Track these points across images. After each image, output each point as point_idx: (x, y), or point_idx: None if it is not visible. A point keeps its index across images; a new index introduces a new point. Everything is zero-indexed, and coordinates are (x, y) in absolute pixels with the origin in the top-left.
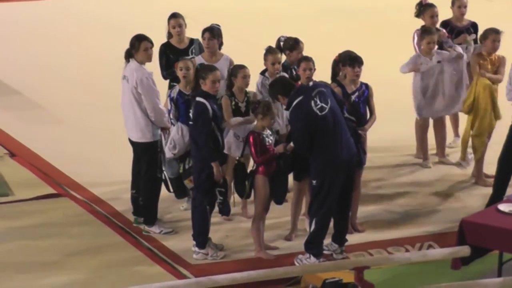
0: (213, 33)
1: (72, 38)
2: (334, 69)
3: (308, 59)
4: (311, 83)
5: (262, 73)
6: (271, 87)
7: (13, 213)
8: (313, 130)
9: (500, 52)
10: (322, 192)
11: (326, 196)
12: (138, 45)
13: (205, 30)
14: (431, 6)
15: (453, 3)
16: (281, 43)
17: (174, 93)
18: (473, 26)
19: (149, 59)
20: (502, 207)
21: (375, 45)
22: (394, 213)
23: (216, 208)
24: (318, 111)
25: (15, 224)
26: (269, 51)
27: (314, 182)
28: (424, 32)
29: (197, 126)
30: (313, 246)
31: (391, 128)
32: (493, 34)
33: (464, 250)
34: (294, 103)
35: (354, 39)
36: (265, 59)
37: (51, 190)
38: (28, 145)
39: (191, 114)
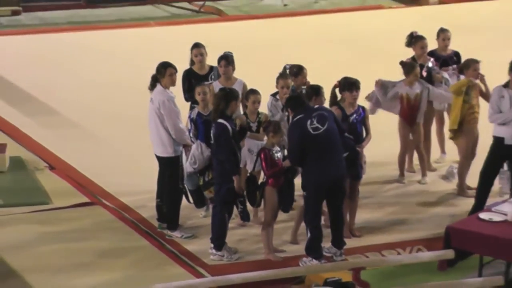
0: (228, 60)
1: (103, 68)
2: (333, 93)
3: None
4: (316, 106)
5: (273, 95)
6: (287, 100)
7: (51, 219)
8: (305, 146)
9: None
10: (311, 204)
11: (314, 207)
12: (164, 71)
13: (221, 58)
14: (421, 38)
15: (438, 36)
16: (287, 70)
17: (194, 114)
18: (456, 55)
19: (173, 83)
20: (483, 215)
21: (370, 71)
22: (388, 220)
23: (233, 215)
24: (311, 130)
25: (53, 230)
26: (280, 76)
27: (304, 193)
28: (408, 68)
29: (220, 144)
30: (312, 251)
31: (386, 145)
32: (474, 64)
33: (449, 253)
34: (295, 119)
35: (352, 65)
36: (277, 82)
37: (85, 199)
38: (65, 159)
39: (211, 134)
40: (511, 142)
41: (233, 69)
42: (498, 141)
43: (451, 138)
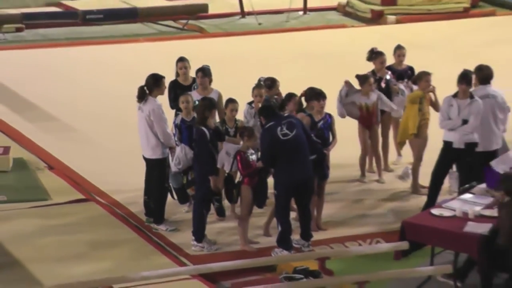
0: (205, 72)
1: (97, 79)
2: (300, 102)
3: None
4: (286, 114)
5: (249, 103)
6: (260, 109)
7: (50, 214)
8: (275, 150)
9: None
10: (281, 201)
11: (284, 204)
12: (158, 82)
13: (198, 70)
14: (381, 53)
15: (394, 52)
16: (262, 82)
17: (178, 120)
18: (410, 70)
19: (162, 93)
20: (434, 211)
21: (335, 84)
22: (350, 216)
23: (212, 210)
24: (281, 136)
25: (52, 223)
26: (256, 87)
27: (275, 192)
28: (362, 79)
29: (199, 148)
30: (283, 242)
31: (349, 149)
32: (426, 75)
33: (404, 245)
34: (266, 126)
35: (318, 77)
36: (252, 92)
37: (80, 196)
38: (63, 160)
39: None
40: (459, 146)
41: (210, 81)
42: (447, 145)
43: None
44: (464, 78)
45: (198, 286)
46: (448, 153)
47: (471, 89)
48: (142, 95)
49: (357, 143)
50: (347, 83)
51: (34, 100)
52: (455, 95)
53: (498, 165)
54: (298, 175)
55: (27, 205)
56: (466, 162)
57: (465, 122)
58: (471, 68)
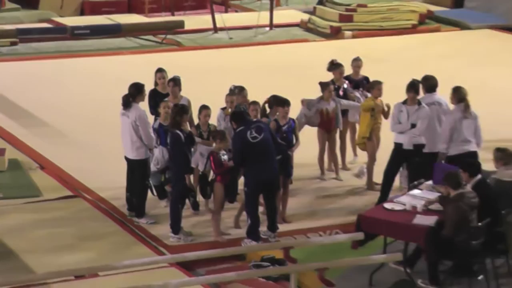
0: (175, 82)
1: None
2: (263, 108)
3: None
4: (254, 119)
5: (222, 108)
6: (231, 114)
7: (42, 209)
8: (245, 152)
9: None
10: (250, 197)
11: (253, 200)
12: (140, 90)
13: (169, 80)
14: (339, 65)
15: (351, 64)
16: (233, 90)
17: (156, 125)
18: (366, 79)
19: (143, 99)
20: (387, 205)
21: (298, 92)
22: (312, 210)
23: (188, 205)
24: (251, 139)
25: (43, 217)
26: (228, 94)
27: (245, 189)
28: (324, 86)
29: (175, 150)
30: (251, 234)
31: (311, 150)
32: (378, 84)
33: (360, 235)
34: (237, 130)
35: (283, 86)
36: (225, 98)
37: (69, 193)
38: (53, 161)
39: (168, 141)
40: (408, 147)
41: (180, 90)
42: (398, 146)
43: (360, 146)
44: (412, 87)
45: (176, 274)
46: (399, 154)
47: (419, 97)
48: (128, 103)
49: (318, 145)
50: (304, 103)
51: (27, 107)
52: (404, 102)
53: None
54: (265, 174)
55: (21, 201)
56: (415, 162)
57: (413, 126)
58: (419, 78)
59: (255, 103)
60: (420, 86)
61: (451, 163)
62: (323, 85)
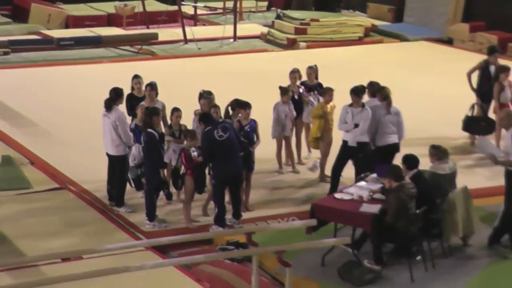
0: (152, 87)
1: (69, 92)
2: (227, 110)
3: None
4: (220, 120)
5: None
6: (200, 116)
7: (32, 200)
8: (212, 149)
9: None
10: (217, 189)
11: (219, 191)
12: (119, 94)
13: (146, 85)
14: (295, 71)
15: (306, 71)
16: (202, 94)
17: (133, 125)
18: (319, 85)
19: (122, 102)
20: (337, 195)
21: (259, 96)
22: (272, 199)
23: (162, 196)
24: (217, 137)
25: (33, 207)
26: (199, 97)
27: (213, 181)
28: (283, 91)
29: (149, 147)
30: (218, 221)
31: (270, 147)
32: (330, 91)
33: (313, 222)
34: (205, 129)
35: (245, 91)
36: (199, 102)
37: (56, 185)
38: (42, 157)
39: (142, 140)
40: (352, 144)
41: (156, 94)
42: (344, 143)
43: (312, 144)
44: (356, 91)
45: (151, 256)
46: (345, 150)
47: (364, 100)
48: (110, 106)
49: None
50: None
51: (18, 109)
52: (350, 105)
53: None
54: (230, 169)
55: (13, 193)
56: (359, 157)
57: (356, 126)
58: (364, 84)
59: (215, 106)
60: (365, 91)
61: (377, 153)
62: (283, 90)
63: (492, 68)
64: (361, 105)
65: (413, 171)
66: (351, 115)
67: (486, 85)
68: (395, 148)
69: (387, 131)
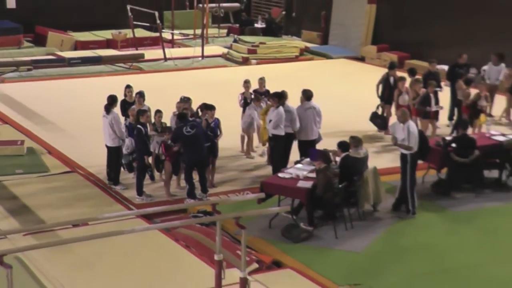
0: (141, 94)
1: (78, 98)
2: (197, 111)
3: (160, 112)
4: (191, 119)
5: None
6: (177, 116)
7: (49, 180)
8: (178, 139)
9: None
10: (188, 170)
11: (190, 172)
12: (115, 100)
13: (137, 93)
14: (247, 81)
15: (258, 81)
16: (182, 98)
17: (127, 122)
18: (267, 91)
19: (116, 106)
20: (280, 174)
21: (222, 103)
22: (231, 178)
23: (148, 177)
24: (186, 133)
25: (50, 186)
26: (178, 102)
27: (184, 165)
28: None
29: (138, 139)
30: (190, 195)
31: (233, 138)
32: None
33: (262, 195)
34: (178, 126)
35: (211, 98)
36: (176, 105)
37: (67, 169)
38: (57, 148)
39: (134, 133)
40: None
41: (144, 100)
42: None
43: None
44: (273, 95)
45: (140, 223)
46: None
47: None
48: (108, 109)
49: (235, 137)
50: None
51: (39, 112)
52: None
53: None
54: (197, 155)
55: (35, 175)
56: (272, 146)
57: (270, 121)
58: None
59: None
60: (282, 95)
61: (302, 143)
62: (256, 97)
63: (392, 79)
64: (276, 107)
65: (345, 153)
66: (271, 113)
67: (387, 92)
68: (317, 140)
69: (309, 126)
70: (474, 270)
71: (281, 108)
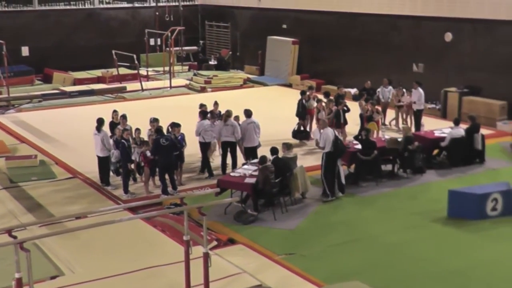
0: (124, 117)
1: (77, 122)
2: (167, 128)
3: (139, 130)
4: (166, 134)
5: (149, 129)
6: (155, 130)
7: (57, 184)
8: (157, 150)
9: None
10: (161, 173)
11: (163, 174)
12: (102, 122)
13: (120, 116)
14: (204, 105)
15: (213, 104)
16: (152, 119)
17: (114, 138)
18: (220, 112)
19: (104, 125)
20: (231, 173)
21: (185, 120)
22: (194, 178)
23: (131, 179)
24: (162, 144)
25: (57, 188)
26: (151, 122)
27: (158, 169)
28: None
29: (122, 151)
30: (164, 192)
31: (195, 148)
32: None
33: (218, 190)
34: (156, 138)
35: (179, 117)
36: (150, 124)
37: (70, 175)
38: (62, 159)
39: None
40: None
41: (126, 121)
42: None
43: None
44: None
45: (127, 214)
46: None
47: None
48: (98, 129)
49: (196, 147)
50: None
51: (48, 133)
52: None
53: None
54: (168, 161)
55: (46, 181)
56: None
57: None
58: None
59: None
60: (229, 114)
61: (247, 149)
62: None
63: (304, 101)
64: (213, 122)
65: (274, 156)
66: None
67: (301, 111)
68: (256, 147)
69: (250, 137)
70: (376, 238)
71: (216, 123)
